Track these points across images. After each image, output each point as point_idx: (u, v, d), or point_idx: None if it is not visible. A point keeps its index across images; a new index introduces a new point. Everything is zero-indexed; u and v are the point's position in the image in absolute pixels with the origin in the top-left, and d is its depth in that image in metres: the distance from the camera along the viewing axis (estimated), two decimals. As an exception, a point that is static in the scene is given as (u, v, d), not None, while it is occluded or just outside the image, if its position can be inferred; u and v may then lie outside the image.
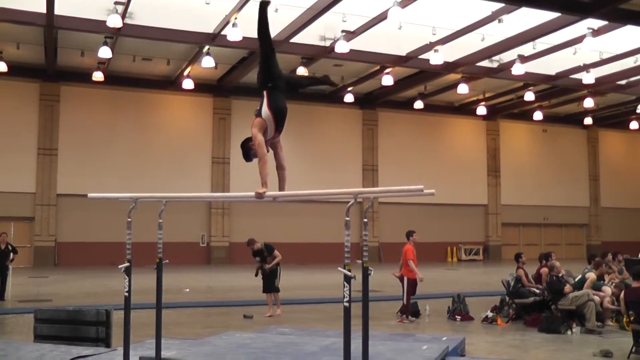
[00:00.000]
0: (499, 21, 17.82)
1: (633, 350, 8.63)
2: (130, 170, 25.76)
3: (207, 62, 21.21)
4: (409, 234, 12.58)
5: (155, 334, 6.65)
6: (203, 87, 26.39)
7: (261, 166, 5.77)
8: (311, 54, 21.47)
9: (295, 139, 25.82)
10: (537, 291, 11.95)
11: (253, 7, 6.90)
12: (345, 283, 4.63)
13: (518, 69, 21.95)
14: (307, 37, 19.75)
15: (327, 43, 20.57)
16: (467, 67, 23.15)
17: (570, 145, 35.22)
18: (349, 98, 27.69)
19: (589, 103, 27.81)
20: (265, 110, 5.98)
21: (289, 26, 18.40)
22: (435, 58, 20.80)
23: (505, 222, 33.26)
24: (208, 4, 17.18)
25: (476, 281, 20.59)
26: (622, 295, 9.68)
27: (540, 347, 9.70)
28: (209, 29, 19.41)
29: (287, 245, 27.87)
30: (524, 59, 21.73)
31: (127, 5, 17.24)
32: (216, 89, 27.28)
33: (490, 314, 12.00)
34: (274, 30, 17.49)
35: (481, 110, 30.17)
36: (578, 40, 19.64)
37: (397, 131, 30.86)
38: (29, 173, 24.87)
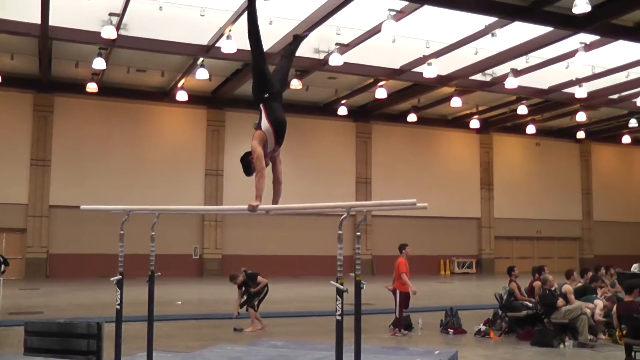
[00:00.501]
0: (492, 35, 17.92)
1: (625, 364, 8.63)
2: (124, 182, 25.71)
3: (201, 74, 21.25)
4: (402, 247, 12.58)
5: (147, 346, 6.63)
6: (197, 99, 26.40)
7: (258, 179, 5.76)
8: (305, 66, 21.52)
9: (288, 151, 25.62)
10: (530, 305, 11.94)
11: (246, 21, 6.88)
12: (337, 296, 4.63)
13: (511, 83, 22.06)
14: (301, 49, 19.46)
15: (321, 56, 20.63)
16: (460, 81, 23.25)
17: (563, 158, 35.35)
18: (342, 111, 27.75)
19: (581, 117, 27.97)
20: (265, 123, 5.98)
21: (283, 38, 18.43)
22: (429, 71, 20.89)
23: (498, 235, 33.28)
24: (203, 16, 17.20)
25: (469, 294, 20.58)
26: (614, 308, 9.69)
27: (533, 360, 9.69)
28: (204, 40, 19.46)
29: (280, 258, 28.09)
30: (516, 72, 21.84)
31: (121, 16, 17.26)
32: (210, 100, 27.30)
33: (483, 328, 11.98)
34: (269, 43, 17.54)
35: (474, 123, 30.28)
36: (570, 54, 19.78)
37: (390, 144, 30.92)
38: (21, 184, 24.76)
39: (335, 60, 19.63)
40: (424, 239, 29.96)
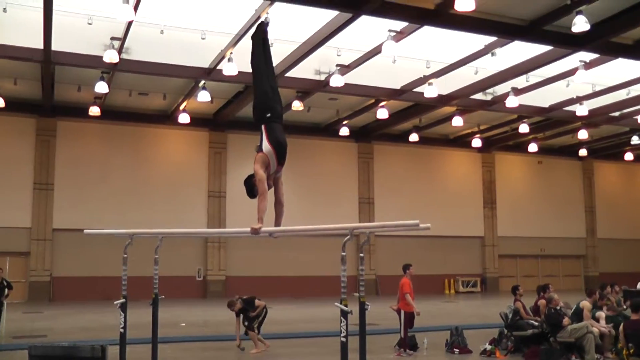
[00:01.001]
0: (492, 54, 18.00)
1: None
2: (127, 205, 25.72)
3: (203, 96, 21.35)
4: (406, 268, 12.57)
5: (151, 370, 6.60)
6: (199, 121, 26.49)
7: (260, 201, 5.79)
8: (306, 87, 21.62)
9: (290, 172, 25.80)
10: (536, 323, 11.89)
11: (248, 42, 7.00)
12: (342, 318, 4.62)
13: (512, 102, 22.11)
14: (302, 71, 19.90)
15: (322, 77, 20.73)
16: (461, 100, 23.32)
17: (565, 176, 35.32)
18: (344, 131, 27.80)
19: (583, 135, 28.00)
20: (266, 144, 6.03)
21: (284, 60, 18.56)
22: (430, 91, 20.95)
23: (502, 254, 33.17)
24: (204, 39, 17.32)
25: (474, 313, 20.48)
26: (621, 327, 9.65)
27: (540, 380, 9.62)
28: (205, 63, 19.57)
29: (283, 279, 28.01)
30: (517, 91, 21.90)
31: (123, 40, 17.39)
32: (212, 123, 27.38)
33: (488, 347, 11.92)
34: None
35: (476, 142, 30.31)
36: (571, 72, 19.83)
37: (392, 164, 30.95)
38: (24, 208, 24.78)
39: (336, 81, 19.72)
40: (428, 258, 29.87)
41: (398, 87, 22.03)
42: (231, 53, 17.90)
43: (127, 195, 26.05)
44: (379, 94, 22.80)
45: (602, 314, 11.62)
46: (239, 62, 17.60)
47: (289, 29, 16.71)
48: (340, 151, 30.05)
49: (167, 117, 26.43)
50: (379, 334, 14.14)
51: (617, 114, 25.85)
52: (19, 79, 21.58)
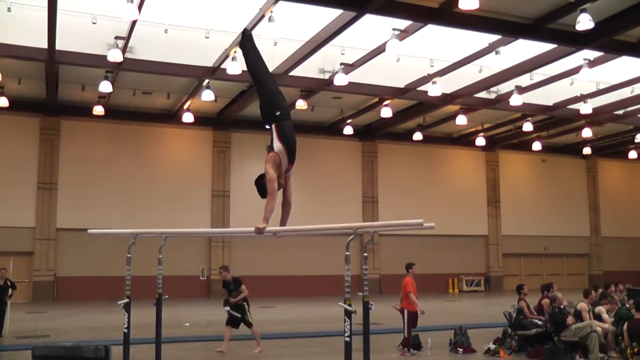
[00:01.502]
0: (496, 53, 17.97)
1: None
2: (131, 204, 25.75)
3: (207, 95, 21.35)
4: (409, 267, 12.57)
5: (155, 370, 6.60)
6: (203, 120, 26.51)
7: (268, 201, 5.78)
8: (310, 86, 21.62)
9: (294, 171, 25.65)
10: (540, 323, 11.87)
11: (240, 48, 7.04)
12: (346, 318, 4.62)
13: (516, 100, 22.07)
14: (306, 70, 19.90)
15: (326, 76, 20.73)
16: (465, 99, 23.29)
17: (569, 175, 35.26)
18: (348, 130, 27.80)
19: (587, 133, 27.94)
20: (277, 143, 6.03)
21: (288, 59, 18.56)
22: (434, 90, 20.94)
23: (506, 253, 33.13)
24: (207, 38, 17.32)
25: (478, 313, 20.45)
26: (625, 326, 9.63)
27: (544, 379, 9.60)
28: (209, 62, 19.59)
29: (287, 278, 28.02)
30: (521, 90, 21.87)
31: (127, 39, 17.40)
32: (216, 122, 27.40)
33: (492, 346, 11.91)
34: (274, 64, 17.67)
35: (480, 141, 30.27)
36: (575, 71, 19.79)
37: (396, 163, 30.93)
38: (28, 207, 24.82)
39: (340, 80, 19.70)
40: (432, 257, 29.86)
41: (402, 85, 22.02)
42: (235, 52, 17.88)
43: (131, 195, 26.07)
44: (383, 93, 22.78)
45: (601, 309, 11.63)
46: (243, 61, 17.48)
47: (293, 28, 16.70)
48: (344, 150, 30.04)
49: (171, 116, 26.46)
50: (383, 333, 14.14)
51: (621, 112, 25.80)
52: (23, 78, 21.61)
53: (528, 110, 25.27)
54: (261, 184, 6.01)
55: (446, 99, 22.90)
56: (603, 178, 36.28)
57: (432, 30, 16.81)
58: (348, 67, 19.59)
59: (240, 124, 26.90)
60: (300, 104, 22.59)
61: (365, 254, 4.96)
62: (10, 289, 14.84)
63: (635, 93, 23.18)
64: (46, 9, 14.94)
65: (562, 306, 11.39)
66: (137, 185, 26.35)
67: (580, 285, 31.98)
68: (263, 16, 15.02)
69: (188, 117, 24.44)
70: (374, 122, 28.60)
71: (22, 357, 11.26)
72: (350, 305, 4.64)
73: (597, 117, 25.82)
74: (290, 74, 19.33)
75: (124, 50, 17.87)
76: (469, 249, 32.18)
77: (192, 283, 26.68)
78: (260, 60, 6.56)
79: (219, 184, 27.70)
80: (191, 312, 19.76)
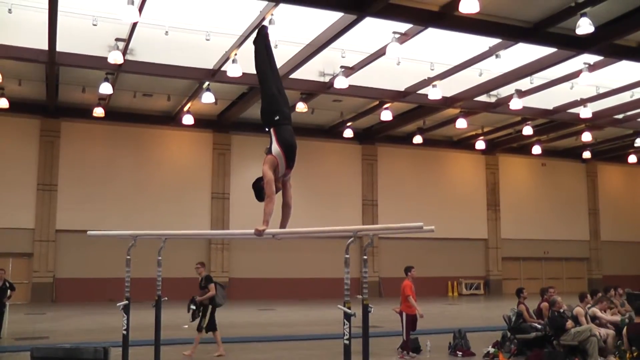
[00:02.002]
0: (496, 56, 17.97)
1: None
2: (130, 206, 25.75)
3: (207, 97, 21.35)
4: (407, 270, 12.55)
5: (154, 372, 6.59)
6: (203, 122, 26.51)
7: (266, 203, 5.79)
8: (310, 89, 21.62)
9: (294, 174, 25.50)
10: (539, 326, 11.86)
11: (252, 44, 7.04)
12: (345, 321, 4.62)
13: (516, 104, 22.08)
14: (307, 72, 19.91)
15: (327, 79, 20.74)
16: (465, 102, 23.30)
17: (569, 179, 35.26)
18: (348, 133, 27.81)
19: (587, 137, 27.93)
20: (275, 147, 6.04)
21: (288, 62, 18.56)
22: (434, 93, 20.94)
23: (506, 256, 33.11)
24: (208, 40, 17.31)
25: (477, 316, 20.44)
26: (624, 330, 9.62)
27: (543, 383, 9.59)
28: (209, 65, 19.60)
29: (287, 281, 28.01)
30: (521, 93, 21.88)
31: (127, 41, 17.41)
32: (216, 124, 27.40)
33: (491, 350, 11.90)
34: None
35: (480, 144, 30.27)
36: (574, 75, 19.81)
37: (396, 166, 30.93)
38: (28, 209, 24.81)
39: (341, 83, 19.71)
40: (431, 260, 29.86)
41: (402, 89, 22.03)
42: (235, 54, 17.90)
43: (131, 197, 26.07)
44: (383, 96, 22.79)
45: (595, 310, 11.64)
46: (243, 63, 17.61)
47: (293, 31, 16.71)
48: (344, 153, 30.05)
49: (171, 119, 26.47)
50: (382, 336, 14.12)
51: (621, 116, 25.82)
52: (23, 79, 21.61)
53: (528, 114, 25.29)
54: (258, 187, 6.02)
55: (446, 102, 22.92)
56: (603, 182, 36.29)
57: (432, 34, 16.82)
58: (348, 70, 19.59)
59: (241, 126, 26.91)
60: (301, 107, 22.60)
61: (365, 257, 4.96)
62: (9, 290, 14.81)
63: (635, 97, 23.18)
64: (47, 11, 14.94)
65: (561, 310, 11.39)
66: (136, 187, 26.35)
67: (580, 289, 31.97)
68: (264, 19, 15.04)
69: (188, 120, 24.45)
70: (374, 125, 28.61)
71: (20, 358, 11.24)
72: (349, 308, 4.64)
73: (597, 121, 25.84)
74: (291, 76, 19.34)
75: (124, 52, 17.87)
76: (468, 253, 32.17)
77: (191, 285, 26.49)
78: (268, 62, 6.55)
79: (219, 186, 27.70)
80: (190, 315, 19.69)
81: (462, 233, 31.60)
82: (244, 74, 18.19)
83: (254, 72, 6.78)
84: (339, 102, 24.40)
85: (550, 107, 24.53)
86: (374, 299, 24.79)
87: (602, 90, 22.23)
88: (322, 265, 27.57)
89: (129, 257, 7.65)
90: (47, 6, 14.71)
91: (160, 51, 18.50)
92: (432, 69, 19.88)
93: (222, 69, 19.28)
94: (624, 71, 20.25)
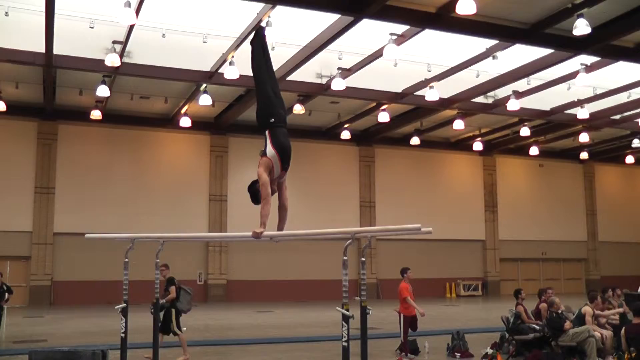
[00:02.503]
0: (494, 58, 17.98)
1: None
2: (128, 208, 25.72)
3: (205, 100, 21.34)
4: (403, 271, 12.55)
5: (152, 374, 6.57)
6: (200, 124, 26.49)
7: (263, 206, 5.79)
8: (307, 91, 21.63)
9: (291, 176, 25.53)
10: (537, 327, 11.86)
11: (249, 46, 7.04)
12: (343, 322, 4.61)
13: (513, 105, 22.10)
14: (304, 74, 19.91)
15: (324, 80, 20.74)
16: (462, 103, 23.32)
17: (566, 179, 35.30)
18: (345, 135, 27.82)
19: (584, 138, 27.98)
20: (270, 149, 6.04)
21: (285, 64, 18.57)
22: (431, 94, 20.95)
23: (504, 258, 33.12)
24: (205, 42, 17.31)
25: (475, 317, 20.45)
26: (623, 331, 9.62)
27: (542, 384, 9.59)
28: (206, 67, 19.60)
29: (285, 283, 28.00)
30: (518, 94, 21.90)
31: (125, 44, 17.39)
32: (213, 126, 27.39)
33: (490, 351, 11.91)
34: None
35: (477, 145, 30.30)
36: (572, 76, 19.82)
37: (394, 167, 30.93)
38: (25, 212, 24.77)
39: (338, 84, 19.72)
40: (429, 261, 29.88)
41: (399, 90, 22.04)
42: (232, 57, 17.91)
43: (128, 199, 26.04)
44: (380, 98, 22.80)
45: (587, 309, 11.65)
46: (241, 65, 17.61)
47: (290, 33, 16.70)
48: (341, 155, 30.05)
49: (168, 121, 26.45)
50: (381, 338, 14.12)
51: (618, 117, 25.85)
52: (20, 82, 21.59)
53: (525, 115, 25.31)
54: (254, 190, 6.02)
55: (443, 103, 22.93)
56: (600, 183, 36.33)
57: (429, 35, 16.84)
58: (345, 72, 19.60)
59: (238, 128, 26.90)
60: (298, 109, 22.60)
61: (363, 259, 4.95)
62: (6, 294, 14.80)
63: (632, 98, 23.20)
64: (44, 13, 14.94)
65: (559, 311, 11.39)
66: (134, 189, 26.32)
67: (578, 290, 32.07)
68: (261, 20, 15.04)
69: (185, 122, 24.44)
70: (372, 127, 28.61)
71: (18, 362, 11.22)
72: (348, 310, 4.64)
73: (594, 122, 25.87)
74: (288, 78, 19.34)
75: (121, 55, 17.87)
76: (466, 254, 32.18)
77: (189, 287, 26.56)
78: (265, 63, 6.55)
79: (217, 188, 27.69)
80: (188, 317, 19.63)
81: (460, 234, 31.61)
82: (241, 76, 18.19)
83: (251, 74, 6.78)
84: (337, 103, 24.40)
85: (548, 108, 24.56)
86: (372, 301, 24.80)
87: (599, 91, 22.27)
88: (320, 267, 27.57)
89: (127, 259, 7.64)
90: (44, 9, 14.70)
91: (158, 53, 18.49)
92: (429, 71, 19.89)
93: (219, 71, 19.28)
94: (621, 72, 20.28)
